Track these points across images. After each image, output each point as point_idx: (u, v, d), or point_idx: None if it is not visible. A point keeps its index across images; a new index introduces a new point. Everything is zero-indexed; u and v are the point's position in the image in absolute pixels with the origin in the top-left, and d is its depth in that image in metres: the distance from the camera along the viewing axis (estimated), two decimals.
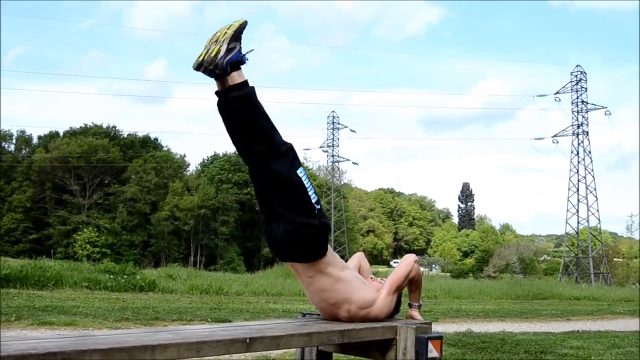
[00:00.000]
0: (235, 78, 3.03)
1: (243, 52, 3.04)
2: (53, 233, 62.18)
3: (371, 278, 3.62)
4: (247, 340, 2.68)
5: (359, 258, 3.81)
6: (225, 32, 2.99)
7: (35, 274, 13.91)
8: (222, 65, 2.94)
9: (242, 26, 3.05)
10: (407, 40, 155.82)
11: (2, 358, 2.06)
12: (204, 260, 62.71)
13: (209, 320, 8.77)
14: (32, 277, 13.72)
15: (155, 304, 11.49)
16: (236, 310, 10.85)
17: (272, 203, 3.18)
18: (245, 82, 3.06)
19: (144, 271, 17.82)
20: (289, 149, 3.11)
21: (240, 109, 3.05)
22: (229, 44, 2.97)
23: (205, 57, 2.95)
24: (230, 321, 8.11)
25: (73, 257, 47.86)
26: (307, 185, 3.11)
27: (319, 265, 3.21)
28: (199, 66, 2.97)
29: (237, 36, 3.02)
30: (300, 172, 3.11)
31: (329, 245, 3.25)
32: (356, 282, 3.34)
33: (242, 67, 3.09)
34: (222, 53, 2.94)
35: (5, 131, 71.37)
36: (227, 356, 5.98)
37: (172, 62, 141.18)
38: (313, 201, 3.13)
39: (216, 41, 2.98)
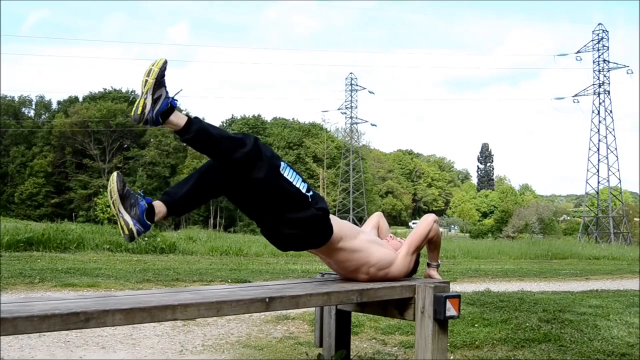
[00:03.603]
0: (177, 122, 2.85)
1: (170, 94, 2.86)
2: (74, 197, 62.79)
3: (390, 236, 3.63)
4: (267, 300, 2.70)
5: (377, 218, 3.81)
6: (146, 82, 2.78)
7: (58, 237, 14.10)
8: (152, 119, 2.78)
9: (163, 69, 2.82)
10: (433, 1, 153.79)
11: (26, 318, 2.10)
12: (224, 223, 63.11)
13: (229, 281, 8.86)
14: (55, 240, 13.92)
15: (176, 265, 11.62)
16: (256, 271, 10.94)
17: (263, 211, 3.08)
18: (188, 122, 2.87)
19: (164, 233, 17.98)
20: (259, 155, 2.93)
21: (199, 148, 2.93)
22: (153, 94, 2.78)
23: (133, 115, 2.80)
24: (249, 282, 8.18)
25: (94, 220, 48.29)
26: (292, 179, 3.01)
27: (329, 245, 3.20)
28: (135, 121, 2.82)
29: (159, 82, 2.80)
30: (282, 168, 2.99)
31: (334, 219, 3.23)
32: (372, 247, 3.34)
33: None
34: (148, 107, 2.77)
35: (25, 96, 71.83)
36: (247, 315, 6.06)
37: (194, 25, 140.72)
38: (304, 191, 3.04)
39: (140, 93, 2.81)
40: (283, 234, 3.14)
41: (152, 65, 2.81)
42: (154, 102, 2.78)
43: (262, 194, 2.98)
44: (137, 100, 2.78)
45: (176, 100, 2.85)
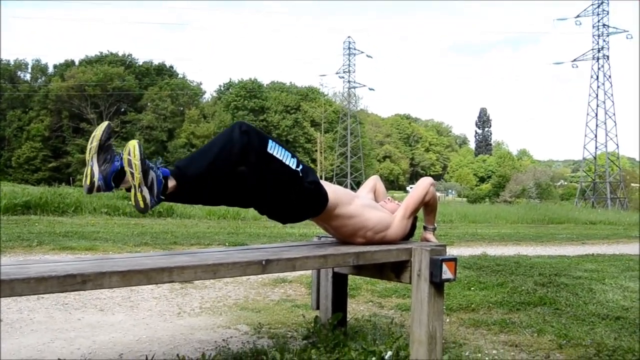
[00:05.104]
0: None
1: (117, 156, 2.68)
2: (72, 161, 62.71)
3: (388, 199, 3.63)
4: (263, 262, 2.70)
5: (374, 181, 3.82)
6: (90, 148, 2.63)
7: (55, 201, 14.13)
8: (103, 186, 2.61)
9: (106, 132, 2.67)
10: None
11: (22, 280, 2.10)
12: None
13: (227, 244, 8.89)
14: (52, 204, 13.95)
15: (174, 229, 11.65)
16: (253, 234, 10.98)
17: (258, 191, 3.04)
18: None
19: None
20: (250, 140, 2.88)
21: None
22: (98, 159, 2.61)
23: (84, 185, 2.64)
24: (247, 245, 8.21)
25: None
26: (281, 157, 2.97)
27: (325, 212, 3.21)
28: (88, 192, 2.64)
29: (104, 146, 2.63)
30: (270, 148, 2.94)
31: (328, 186, 3.23)
32: (368, 211, 3.35)
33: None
34: (96, 175, 2.59)
35: (21, 60, 71.33)
36: (244, 278, 6.10)
37: None
38: (293, 167, 3.02)
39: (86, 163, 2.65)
40: (280, 210, 3.16)
41: (97, 131, 2.66)
42: (102, 166, 2.62)
43: (254, 175, 2.96)
44: (85, 171, 2.64)
45: (122, 162, 2.67)
